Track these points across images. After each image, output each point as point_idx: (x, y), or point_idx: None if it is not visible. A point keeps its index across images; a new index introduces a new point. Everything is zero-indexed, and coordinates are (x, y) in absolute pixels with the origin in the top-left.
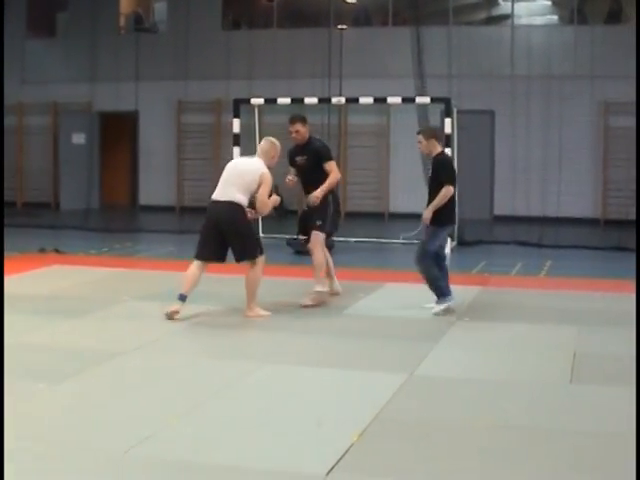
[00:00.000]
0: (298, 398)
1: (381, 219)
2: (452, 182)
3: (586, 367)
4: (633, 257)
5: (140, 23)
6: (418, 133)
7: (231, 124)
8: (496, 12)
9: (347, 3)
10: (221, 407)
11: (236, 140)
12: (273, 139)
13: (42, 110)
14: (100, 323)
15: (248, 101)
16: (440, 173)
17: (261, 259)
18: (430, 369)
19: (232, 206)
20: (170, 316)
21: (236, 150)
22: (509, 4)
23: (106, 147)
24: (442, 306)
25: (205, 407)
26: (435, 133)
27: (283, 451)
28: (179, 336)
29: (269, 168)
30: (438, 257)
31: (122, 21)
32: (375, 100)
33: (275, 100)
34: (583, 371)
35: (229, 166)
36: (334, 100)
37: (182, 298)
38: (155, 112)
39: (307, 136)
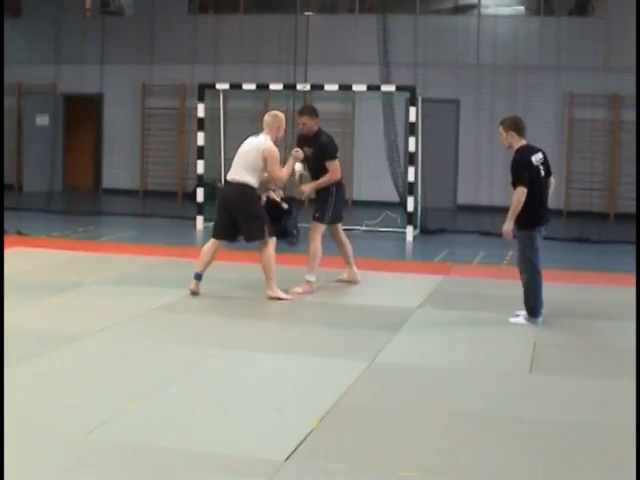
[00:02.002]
0: (258, 384)
1: (345, 206)
2: (524, 182)
3: (546, 357)
4: (594, 248)
5: (106, 6)
6: (500, 124)
7: (196, 108)
8: (463, 1)
9: None
10: (181, 392)
11: (201, 125)
12: (276, 112)
13: (6, 91)
14: (61, 306)
15: (213, 86)
16: (512, 174)
17: (271, 240)
18: (391, 356)
19: (240, 187)
20: (194, 293)
21: (200, 135)
22: None
23: (70, 129)
24: (525, 321)
25: (165, 391)
26: (515, 123)
27: (242, 437)
28: (140, 321)
29: (276, 141)
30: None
31: (88, 3)
32: (340, 87)
33: (240, 85)
34: (543, 361)
35: (241, 146)
36: (299, 86)
37: (197, 277)
38: (120, 95)
39: (316, 128)
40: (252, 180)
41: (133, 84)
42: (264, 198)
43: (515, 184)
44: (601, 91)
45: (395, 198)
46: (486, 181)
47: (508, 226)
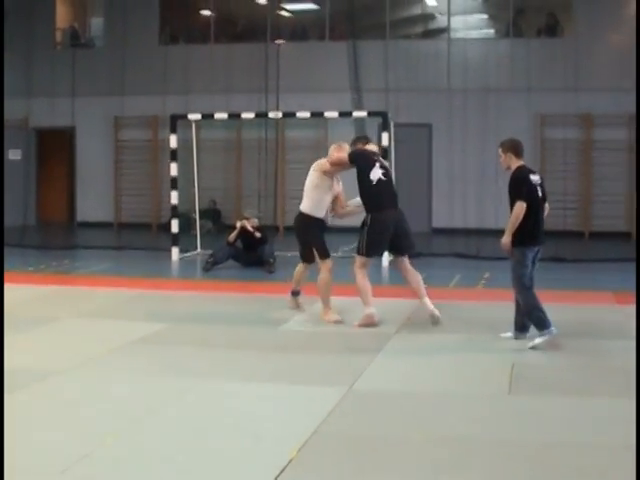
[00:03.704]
0: (236, 414)
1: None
2: (523, 197)
3: (525, 378)
4: (569, 268)
5: (76, 38)
6: (499, 146)
7: (169, 140)
8: (433, 26)
9: (284, 17)
10: (160, 425)
11: (173, 156)
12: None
13: None
14: (38, 341)
15: (185, 116)
16: (510, 191)
17: (325, 262)
18: (369, 382)
19: (297, 216)
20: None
21: (173, 166)
22: (446, 18)
23: (43, 163)
24: (542, 339)
25: (144, 425)
26: (514, 145)
27: (221, 467)
28: (117, 354)
29: (341, 161)
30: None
31: (58, 36)
32: (312, 114)
33: (212, 115)
34: (522, 382)
35: None
36: (271, 114)
37: (294, 293)
38: (92, 128)
39: None
40: (305, 206)
41: (105, 116)
42: (238, 226)
43: (514, 200)
44: (572, 111)
45: None
46: (460, 204)
47: (507, 239)
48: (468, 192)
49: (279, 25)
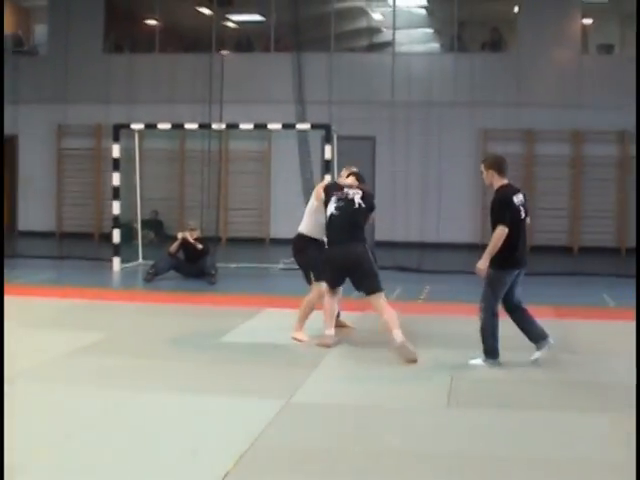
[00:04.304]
0: (173, 426)
1: (262, 245)
2: (505, 222)
3: (463, 391)
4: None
5: (19, 45)
6: (482, 162)
7: (112, 149)
8: (378, 39)
9: (229, 28)
10: (93, 437)
11: (116, 165)
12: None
13: None
14: None
15: (128, 126)
16: (492, 212)
17: (319, 285)
18: (307, 395)
19: (296, 237)
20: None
21: (116, 175)
22: (391, 32)
23: None
24: (483, 364)
25: (77, 437)
26: (497, 162)
27: None
28: (55, 365)
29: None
30: (513, 304)
31: None
32: (255, 126)
33: (155, 125)
34: (460, 394)
35: None
36: (215, 125)
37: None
38: (34, 136)
39: None
40: (305, 227)
41: (48, 125)
42: (179, 238)
43: (495, 223)
44: (514, 126)
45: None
46: (402, 217)
47: (483, 264)
48: (410, 205)
49: (224, 36)
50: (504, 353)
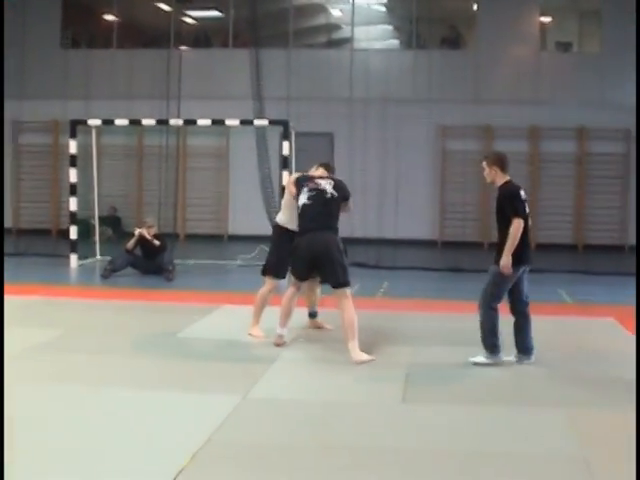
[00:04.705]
0: (130, 422)
1: (220, 241)
2: (519, 214)
3: (419, 386)
4: (469, 278)
5: None
6: (484, 159)
7: (69, 145)
8: (337, 36)
9: (188, 24)
10: (46, 434)
11: (73, 161)
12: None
13: None
14: None
15: (85, 122)
16: (504, 206)
17: (272, 280)
18: (264, 391)
19: (273, 227)
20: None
21: (73, 172)
22: (349, 28)
23: None
24: (487, 361)
25: (29, 434)
26: (500, 159)
27: (112, 476)
28: (9, 362)
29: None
30: (521, 303)
31: None
32: (213, 122)
33: (113, 121)
34: (416, 390)
35: None
36: (172, 121)
37: (311, 315)
38: None
39: None
40: (281, 218)
41: (4, 121)
42: (136, 234)
43: (508, 217)
44: (472, 123)
45: (269, 232)
46: (360, 213)
47: (507, 260)
48: (368, 202)
49: (182, 32)
50: (461, 350)
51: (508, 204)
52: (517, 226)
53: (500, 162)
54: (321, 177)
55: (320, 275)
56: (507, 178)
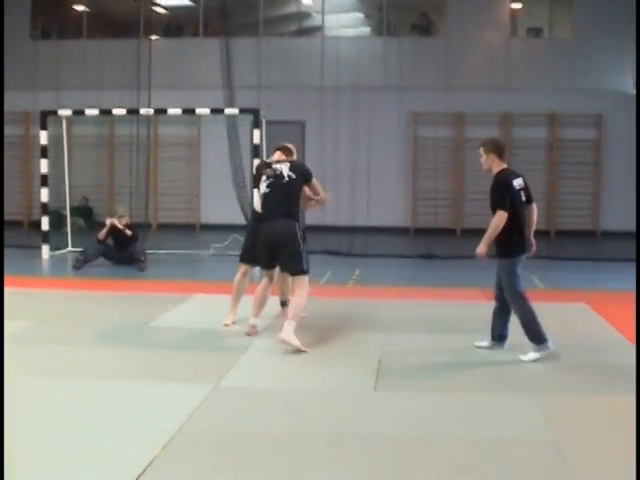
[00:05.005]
0: (101, 412)
1: (192, 230)
2: (504, 206)
3: (391, 374)
4: (441, 265)
5: None
6: (480, 146)
7: (39, 136)
8: (307, 24)
9: (157, 13)
10: (20, 424)
11: (44, 152)
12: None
13: None
14: None
15: (55, 112)
16: (492, 197)
17: (242, 266)
18: (236, 379)
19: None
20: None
21: (44, 162)
22: (320, 16)
23: None
24: (539, 354)
25: (4, 424)
26: (496, 146)
27: (83, 466)
28: None
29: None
30: (506, 304)
31: None
32: (184, 111)
33: (83, 111)
34: (388, 378)
35: None
36: (143, 111)
37: (282, 304)
38: None
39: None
40: (256, 203)
41: None
42: (107, 224)
43: (495, 208)
44: (443, 109)
45: (242, 221)
46: (332, 201)
47: (482, 248)
48: (340, 190)
49: (153, 21)
50: (432, 337)
51: (496, 194)
52: (499, 219)
53: (498, 149)
54: (278, 161)
55: (278, 263)
56: (504, 166)
